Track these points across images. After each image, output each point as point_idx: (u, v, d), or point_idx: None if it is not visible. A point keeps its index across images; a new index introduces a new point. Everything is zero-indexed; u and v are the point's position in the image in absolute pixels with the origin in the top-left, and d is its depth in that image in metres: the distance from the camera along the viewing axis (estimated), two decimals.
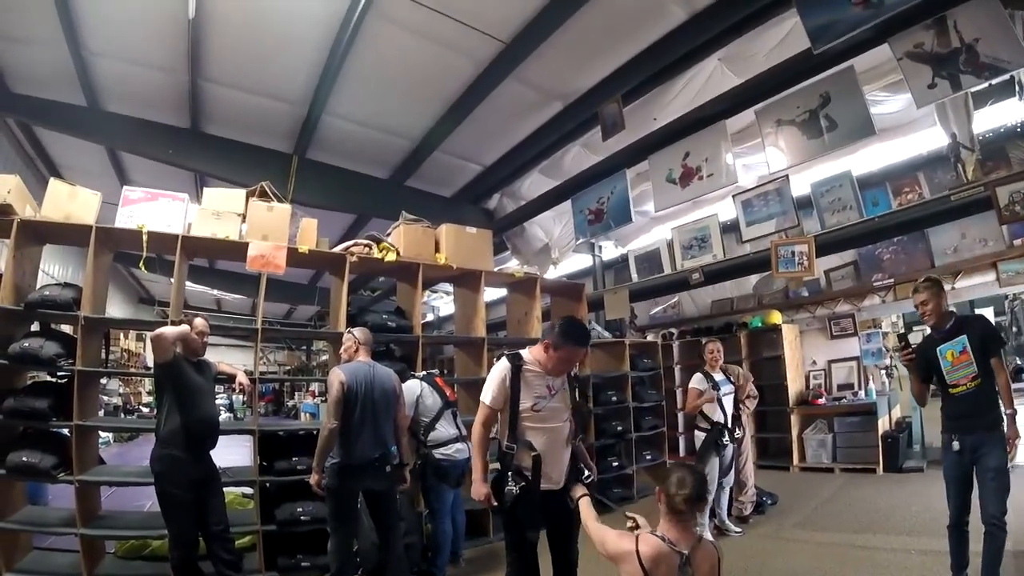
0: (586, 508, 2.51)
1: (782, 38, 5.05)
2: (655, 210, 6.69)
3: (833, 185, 6.28)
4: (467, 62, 5.74)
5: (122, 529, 4.32)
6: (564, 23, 5.04)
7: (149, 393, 14.16)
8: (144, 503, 4.89)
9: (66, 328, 4.57)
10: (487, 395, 2.83)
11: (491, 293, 5.85)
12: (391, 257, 5.16)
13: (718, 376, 5.18)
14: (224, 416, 13.58)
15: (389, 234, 5.49)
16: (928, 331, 3.64)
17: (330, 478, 3.53)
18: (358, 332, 3.91)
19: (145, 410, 13.67)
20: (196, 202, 4.94)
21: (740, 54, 5.39)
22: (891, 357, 8.17)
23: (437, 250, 5.54)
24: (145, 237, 4.30)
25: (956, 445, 3.29)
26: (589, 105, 6.27)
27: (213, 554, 3.50)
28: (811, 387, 8.33)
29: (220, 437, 3.71)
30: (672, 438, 8.32)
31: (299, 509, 4.26)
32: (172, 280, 4.51)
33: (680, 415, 9.16)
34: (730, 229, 7.30)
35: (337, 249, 5.15)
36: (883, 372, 8.07)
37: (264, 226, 4.68)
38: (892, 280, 7.33)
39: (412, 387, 4.27)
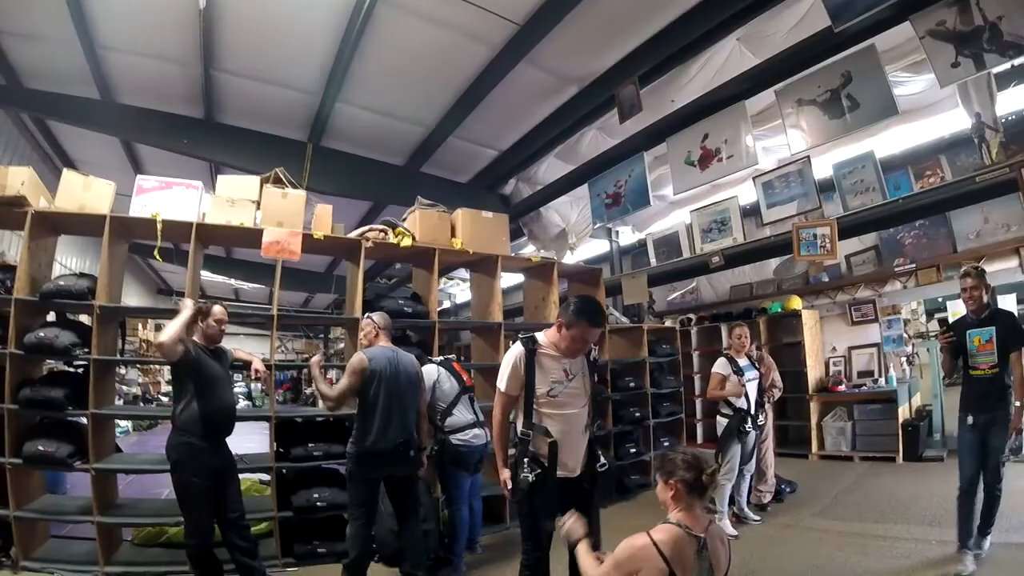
0: (584, 554, 2.21)
1: (801, 17, 4.94)
2: (674, 193, 6.58)
3: (856, 166, 6.13)
4: (480, 46, 5.65)
5: (138, 517, 4.36)
6: (579, 4, 4.92)
7: (168, 383, 14.31)
8: (161, 491, 4.92)
9: (83, 319, 4.58)
10: (501, 381, 2.78)
11: (507, 279, 5.81)
12: (407, 242, 5.13)
13: (742, 362, 5.03)
14: (242, 404, 13.67)
15: (405, 219, 5.45)
16: (964, 315, 3.99)
17: (353, 464, 3.52)
18: (377, 317, 3.89)
19: (164, 399, 13.79)
20: (211, 191, 4.94)
21: (758, 33, 5.29)
22: (912, 344, 8.05)
23: (453, 235, 5.50)
24: (159, 226, 4.31)
25: (970, 420, 3.76)
26: (605, 88, 6.15)
27: (229, 541, 3.50)
28: (831, 374, 8.19)
29: (236, 424, 3.69)
30: (690, 425, 8.26)
31: (315, 495, 4.29)
32: (187, 272, 4.50)
33: (698, 402, 9.13)
34: (750, 213, 7.20)
35: (352, 235, 5.12)
36: (904, 359, 7.93)
37: (279, 213, 4.67)
38: (914, 265, 7.20)
39: (429, 372, 4.24)
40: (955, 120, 5.92)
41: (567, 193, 8.25)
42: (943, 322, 4.19)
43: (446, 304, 15.47)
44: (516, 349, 2.76)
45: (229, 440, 3.61)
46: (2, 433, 3.95)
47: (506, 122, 7.23)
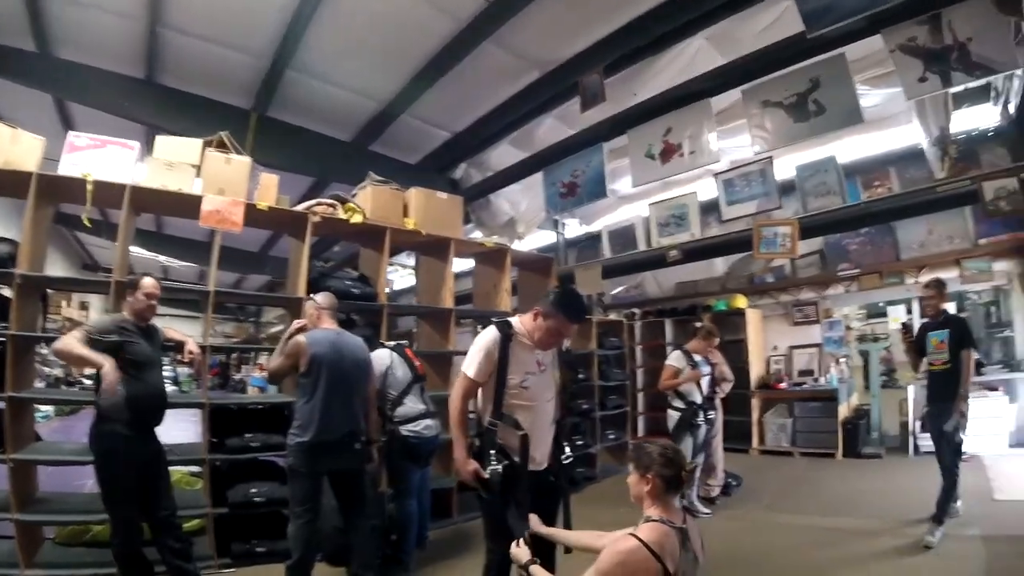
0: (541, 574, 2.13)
1: (772, 21, 4.95)
2: (633, 185, 6.49)
3: (819, 170, 6.23)
4: (446, 19, 5.34)
5: (61, 514, 3.93)
6: None
7: None
8: (84, 482, 4.47)
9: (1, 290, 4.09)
10: (471, 366, 2.57)
11: (454, 265, 5.65)
12: (357, 219, 4.86)
13: (697, 357, 5.13)
14: (168, 389, 12.88)
15: (355, 195, 5.18)
16: (925, 320, 4.67)
17: (294, 458, 3.26)
18: (320, 298, 3.64)
19: (88, 382, 12.81)
20: (148, 155, 4.51)
21: (727, 34, 5.26)
22: (852, 346, 8.38)
23: (406, 215, 5.28)
24: (90, 187, 3.88)
25: (929, 409, 4.53)
26: (568, 75, 5.99)
27: (160, 542, 3.20)
28: (772, 372, 8.44)
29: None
30: (633, 418, 8.35)
31: (253, 490, 4.01)
32: (117, 242, 4.10)
33: (640, 395, 9.21)
34: (708, 209, 7.24)
35: (300, 208, 4.81)
36: (843, 360, 8.22)
37: (221, 179, 4.31)
38: (858, 270, 7.46)
39: (382, 357, 4.02)
40: (907, 134, 6.11)
41: (519, 181, 8.06)
42: (905, 326, 5.03)
43: (386, 290, 14.99)
44: (490, 332, 2.58)
45: (157, 429, 3.28)
46: None
47: (464, 102, 6.92)
